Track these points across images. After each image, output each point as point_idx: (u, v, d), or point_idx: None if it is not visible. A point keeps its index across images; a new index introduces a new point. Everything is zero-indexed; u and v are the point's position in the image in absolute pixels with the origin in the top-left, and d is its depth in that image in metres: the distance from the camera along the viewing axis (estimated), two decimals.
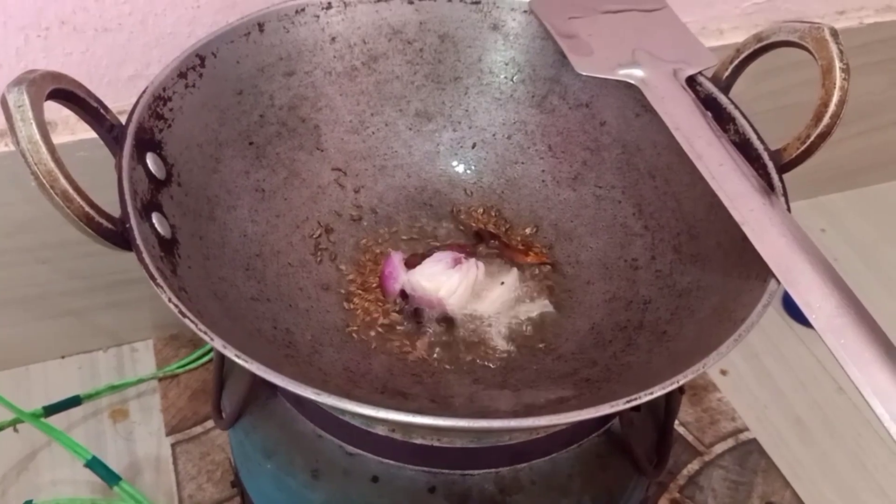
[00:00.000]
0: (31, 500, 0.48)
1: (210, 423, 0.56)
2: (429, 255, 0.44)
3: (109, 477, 0.51)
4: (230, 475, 0.53)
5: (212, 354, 0.60)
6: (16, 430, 0.52)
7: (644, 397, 0.30)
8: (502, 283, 0.44)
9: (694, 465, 0.56)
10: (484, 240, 0.47)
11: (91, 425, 0.56)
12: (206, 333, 0.30)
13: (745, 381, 0.63)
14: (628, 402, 0.30)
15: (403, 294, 0.43)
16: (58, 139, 0.50)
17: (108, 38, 0.48)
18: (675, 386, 0.31)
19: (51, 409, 0.54)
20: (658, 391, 0.30)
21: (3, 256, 0.53)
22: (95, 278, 0.57)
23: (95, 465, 0.51)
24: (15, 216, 0.52)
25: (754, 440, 0.58)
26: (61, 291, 0.57)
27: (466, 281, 0.43)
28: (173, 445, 0.55)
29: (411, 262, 0.44)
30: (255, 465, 0.41)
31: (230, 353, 0.30)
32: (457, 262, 0.43)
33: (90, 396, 0.56)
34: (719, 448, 0.57)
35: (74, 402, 0.55)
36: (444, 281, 0.42)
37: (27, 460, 0.54)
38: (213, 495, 0.52)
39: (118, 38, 0.49)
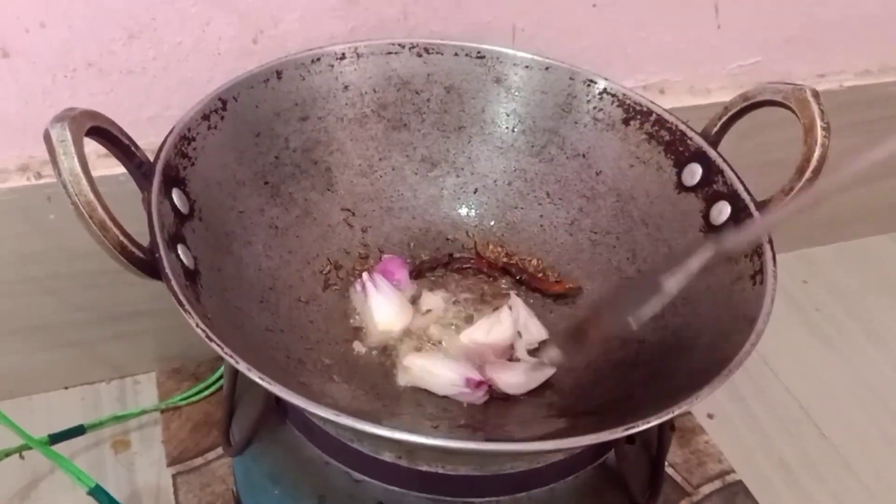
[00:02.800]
0: None
1: (211, 455, 0.57)
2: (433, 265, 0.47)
3: None
4: None
5: (214, 388, 0.62)
6: (21, 458, 0.53)
7: (641, 425, 0.32)
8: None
9: None
10: (511, 274, 0.49)
11: (93, 455, 0.57)
12: (231, 357, 0.32)
13: (731, 424, 0.65)
14: (626, 429, 0.32)
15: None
16: None
17: (132, 80, 0.51)
18: (669, 416, 0.33)
19: (56, 438, 0.55)
20: (654, 420, 0.32)
21: (10, 286, 0.55)
22: (100, 310, 0.59)
23: (98, 493, 0.52)
24: (23, 248, 0.53)
25: (740, 482, 0.60)
26: (66, 322, 0.58)
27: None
28: (174, 476, 0.56)
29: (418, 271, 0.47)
30: (261, 492, 0.43)
31: (254, 376, 0.31)
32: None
33: (94, 426, 0.57)
34: (707, 489, 0.59)
35: (79, 431, 0.56)
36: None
37: (29, 488, 0.54)
38: None
39: (141, 80, 0.51)
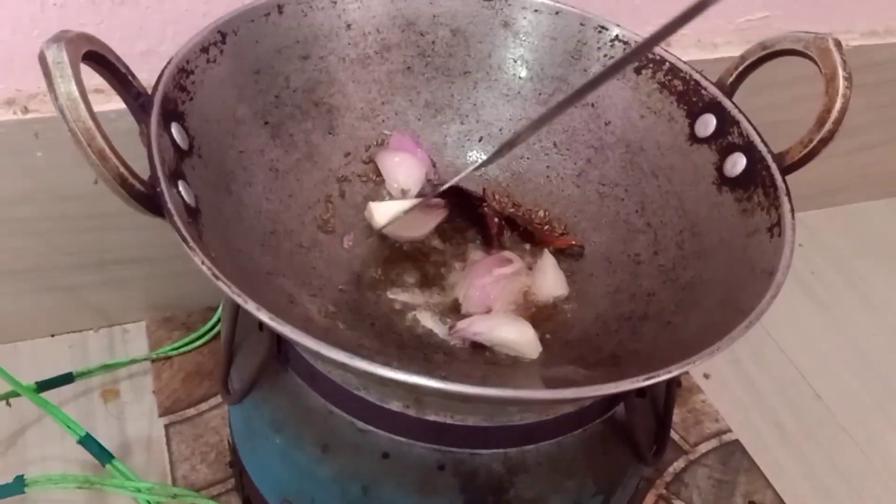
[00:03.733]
0: (22, 475, 0.48)
1: (204, 406, 0.56)
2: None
3: (102, 455, 0.50)
4: (225, 457, 0.53)
5: (207, 338, 0.60)
6: (8, 405, 0.52)
7: (663, 375, 0.31)
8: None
9: (679, 464, 0.57)
10: (514, 226, 0.48)
11: (82, 404, 0.55)
12: (239, 296, 0.30)
13: (727, 384, 0.64)
14: (647, 378, 0.31)
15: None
16: None
17: (125, 11, 0.48)
18: (690, 366, 0.32)
19: (44, 385, 0.53)
20: (675, 370, 0.31)
21: None
22: (89, 255, 0.57)
23: (89, 442, 0.51)
24: (8, 187, 0.51)
25: (737, 441, 0.60)
26: (53, 266, 0.56)
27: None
28: (167, 426, 0.54)
29: None
30: (262, 441, 0.42)
31: (264, 316, 0.30)
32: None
33: (83, 374, 0.56)
34: (704, 447, 0.59)
35: (67, 379, 0.55)
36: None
37: (16, 435, 0.53)
38: (206, 476, 0.52)
39: (134, 12, 0.49)
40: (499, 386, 0.31)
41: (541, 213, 0.49)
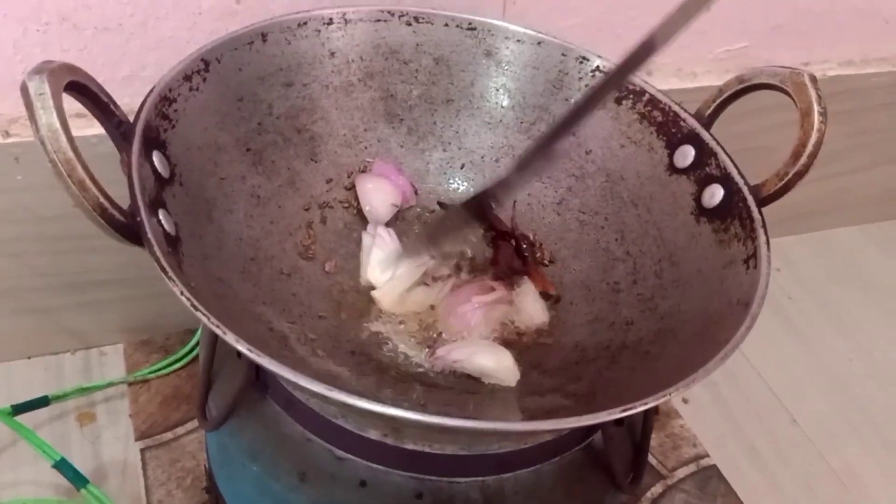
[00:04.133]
0: None
1: (181, 430, 0.55)
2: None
3: (77, 479, 0.50)
4: (201, 482, 0.52)
5: (184, 361, 0.60)
6: None
7: (639, 406, 0.31)
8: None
9: (657, 488, 0.58)
10: (517, 243, 0.49)
11: (57, 427, 0.55)
12: (218, 327, 0.30)
13: (705, 409, 0.65)
14: (623, 410, 0.31)
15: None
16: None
17: (107, 37, 0.48)
18: (666, 397, 0.32)
19: (19, 409, 0.53)
20: (652, 402, 0.32)
21: None
22: (66, 277, 0.56)
23: (63, 466, 0.50)
24: None
25: (714, 466, 0.60)
26: (29, 288, 0.56)
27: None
28: (143, 451, 0.54)
29: None
30: (238, 468, 0.41)
31: (243, 348, 0.30)
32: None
33: (58, 398, 0.55)
34: (681, 472, 0.59)
35: (43, 402, 0.54)
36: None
37: None
38: (182, 502, 0.51)
39: (117, 38, 0.49)
40: (476, 418, 0.32)
41: (530, 236, 0.50)
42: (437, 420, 0.28)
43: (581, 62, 0.50)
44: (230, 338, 0.30)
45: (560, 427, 0.30)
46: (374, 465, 0.38)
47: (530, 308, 0.45)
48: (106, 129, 0.37)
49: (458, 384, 0.41)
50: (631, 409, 0.31)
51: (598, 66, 0.50)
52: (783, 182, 0.43)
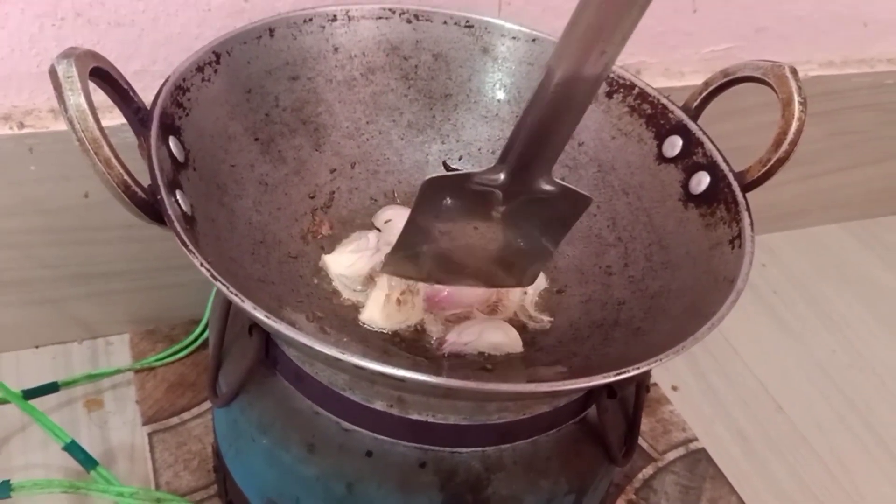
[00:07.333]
0: (8, 480, 0.48)
1: (187, 415, 0.57)
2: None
3: (87, 461, 0.51)
4: (207, 464, 0.54)
5: (190, 349, 0.61)
6: None
7: (632, 371, 0.33)
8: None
9: (648, 470, 0.60)
10: None
11: (65, 413, 0.56)
12: (236, 295, 0.32)
13: (694, 397, 0.67)
14: (618, 374, 0.33)
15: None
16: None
17: (120, 32, 0.50)
18: (658, 363, 0.34)
19: (29, 394, 0.54)
20: (644, 366, 0.34)
21: None
22: (74, 268, 0.58)
23: (74, 448, 0.51)
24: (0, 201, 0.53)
25: (703, 450, 0.62)
26: (38, 279, 0.57)
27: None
28: (150, 435, 0.55)
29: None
30: (248, 443, 0.43)
31: (259, 314, 0.32)
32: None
33: (67, 384, 0.57)
34: (671, 455, 0.61)
35: (52, 388, 0.56)
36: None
37: (1, 443, 0.54)
38: (189, 482, 0.53)
39: (129, 33, 0.51)
40: (482, 380, 0.33)
41: None
42: (444, 382, 0.30)
43: None
44: (248, 305, 0.32)
45: (559, 389, 0.32)
46: (380, 436, 0.40)
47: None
48: (125, 115, 0.39)
49: (460, 362, 0.43)
50: (625, 372, 0.33)
51: None
52: (766, 168, 0.45)
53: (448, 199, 0.39)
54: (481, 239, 0.41)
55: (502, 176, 0.38)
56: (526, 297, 0.47)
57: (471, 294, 0.46)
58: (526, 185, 0.39)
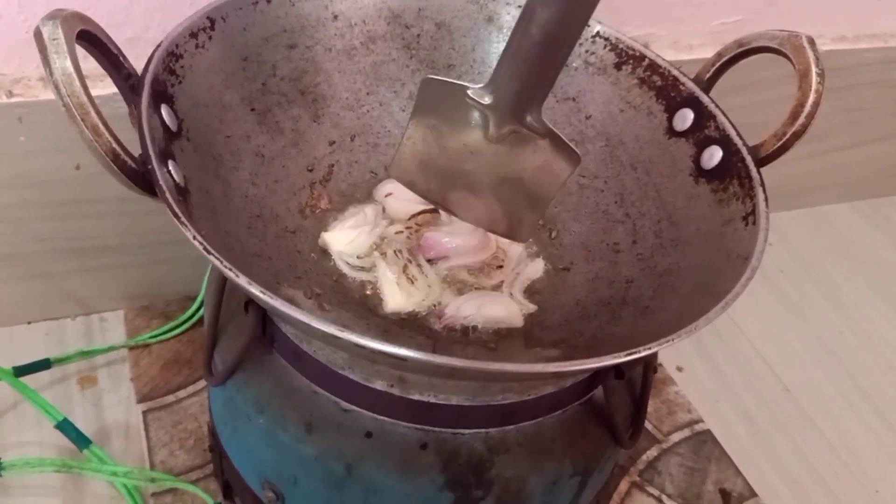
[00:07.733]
0: None
1: (183, 393, 0.56)
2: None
3: (80, 440, 0.50)
4: (203, 443, 0.53)
5: (185, 326, 0.60)
6: None
7: (643, 351, 0.32)
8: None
9: (653, 452, 0.59)
10: None
11: (58, 390, 0.55)
12: (230, 270, 0.31)
13: (699, 377, 0.66)
14: (628, 354, 0.32)
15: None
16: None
17: None
18: (669, 344, 0.33)
19: (21, 371, 0.53)
20: (656, 346, 0.32)
21: None
22: (67, 242, 0.57)
23: (66, 426, 0.50)
24: None
25: (708, 431, 0.61)
26: (30, 253, 0.56)
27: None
28: (144, 413, 0.54)
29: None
30: (244, 422, 0.42)
31: (255, 290, 0.30)
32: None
33: (60, 361, 0.55)
34: (676, 437, 0.60)
35: (44, 365, 0.54)
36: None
37: None
38: (185, 461, 0.52)
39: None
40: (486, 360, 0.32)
41: None
42: (448, 361, 0.29)
43: None
44: (243, 280, 0.31)
45: (567, 370, 0.31)
46: (380, 417, 0.39)
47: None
48: (115, 82, 0.38)
49: (461, 338, 0.42)
50: (636, 352, 0.32)
51: (598, 32, 0.50)
52: (781, 142, 0.43)
53: (444, 106, 0.40)
54: (478, 167, 0.41)
55: (489, 98, 0.39)
56: (518, 277, 0.46)
57: (468, 246, 0.45)
58: (514, 115, 0.39)
